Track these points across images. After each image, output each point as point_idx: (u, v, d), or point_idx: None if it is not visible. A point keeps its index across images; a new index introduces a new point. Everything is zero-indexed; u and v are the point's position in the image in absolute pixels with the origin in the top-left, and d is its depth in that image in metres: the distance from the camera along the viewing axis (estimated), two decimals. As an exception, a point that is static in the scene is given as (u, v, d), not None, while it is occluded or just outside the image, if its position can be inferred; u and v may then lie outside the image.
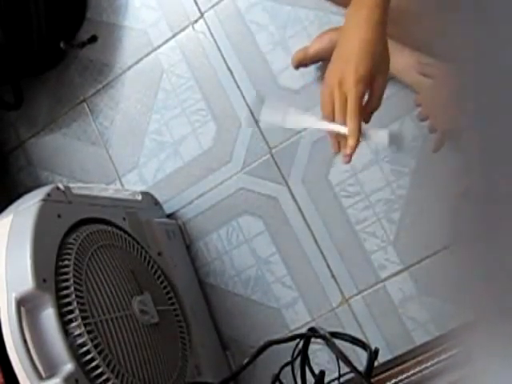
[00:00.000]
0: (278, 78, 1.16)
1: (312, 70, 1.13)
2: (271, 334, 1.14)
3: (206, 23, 1.21)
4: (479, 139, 0.29)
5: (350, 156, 0.73)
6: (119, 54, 1.27)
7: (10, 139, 1.35)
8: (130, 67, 1.26)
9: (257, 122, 1.17)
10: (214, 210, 1.20)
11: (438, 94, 0.88)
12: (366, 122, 0.74)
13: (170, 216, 1.22)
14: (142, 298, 0.93)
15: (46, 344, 0.75)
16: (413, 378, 0.86)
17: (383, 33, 0.71)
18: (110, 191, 1.10)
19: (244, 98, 1.18)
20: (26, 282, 0.76)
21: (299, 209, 1.15)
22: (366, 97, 0.73)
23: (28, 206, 0.84)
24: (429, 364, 0.85)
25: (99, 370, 0.78)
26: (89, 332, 0.78)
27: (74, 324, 0.78)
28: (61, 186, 0.92)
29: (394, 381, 0.87)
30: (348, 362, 0.78)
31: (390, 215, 1.09)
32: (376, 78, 0.71)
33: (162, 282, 1.04)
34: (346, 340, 0.89)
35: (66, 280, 0.80)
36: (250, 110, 1.18)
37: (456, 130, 0.30)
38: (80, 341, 0.77)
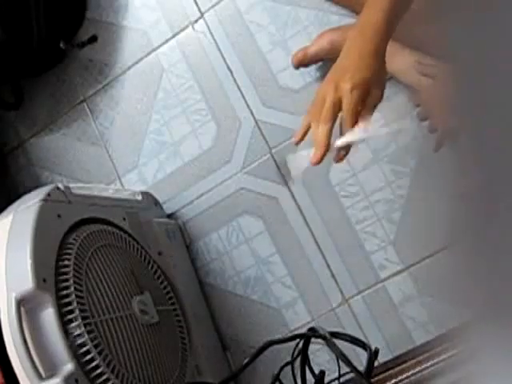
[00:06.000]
0: (278, 77, 1.16)
1: (312, 69, 1.13)
2: (271, 333, 1.13)
3: (206, 23, 1.21)
4: (478, 139, 0.29)
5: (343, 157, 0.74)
6: (119, 54, 1.27)
7: (10, 139, 1.35)
8: (129, 67, 1.26)
9: (257, 121, 1.17)
10: (213, 209, 1.20)
11: (437, 94, 0.88)
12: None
13: (170, 216, 1.22)
14: (141, 297, 0.93)
15: (46, 344, 0.75)
16: (413, 378, 0.86)
17: (383, 50, 0.72)
18: (110, 191, 1.10)
19: (244, 97, 1.18)
20: (26, 281, 0.76)
21: (299, 209, 1.15)
22: None
23: (28, 206, 0.84)
24: (429, 364, 0.85)
25: (99, 370, 0.78)
26: (89, 332, 0.78)
27: (73, 324, 0.78)
28: (61, 186, 0.92)
29: (393, 381, 0.87)
30: (348, 362, 0.78)
31: (390, 215, 1.09)
32: (371, 91, 0.72)
33: (161, 282, 1.04)
34: (346, 340, 0.89)
35: (66, 280, 0.80)
36: (250, 110, 1.18)
37: (456, 129, 0.30)
38: (80, 341, 0.77)
